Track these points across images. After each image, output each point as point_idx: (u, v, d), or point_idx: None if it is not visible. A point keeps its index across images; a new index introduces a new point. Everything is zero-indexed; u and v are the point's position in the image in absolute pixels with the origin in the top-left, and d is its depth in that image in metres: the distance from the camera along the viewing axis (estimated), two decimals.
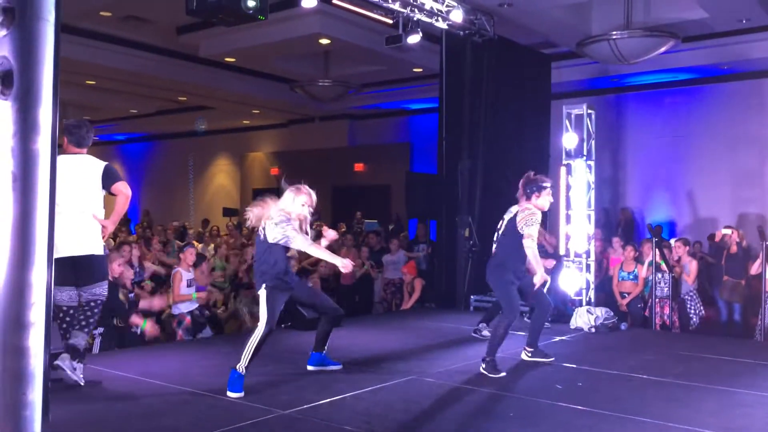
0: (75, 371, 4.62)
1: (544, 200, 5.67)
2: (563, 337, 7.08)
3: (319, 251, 4.91)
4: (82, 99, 16.39)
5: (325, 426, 3.95)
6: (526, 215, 5.52)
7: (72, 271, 4.68)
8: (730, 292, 8.71)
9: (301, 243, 4.79)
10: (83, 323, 4.76)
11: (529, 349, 5.86)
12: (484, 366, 5.36)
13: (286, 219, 4.78)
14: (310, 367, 5.38)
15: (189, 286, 7.55)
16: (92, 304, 4.79)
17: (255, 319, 8.87)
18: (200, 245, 11.55)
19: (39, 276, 0.97)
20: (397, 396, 4.67)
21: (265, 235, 4.81)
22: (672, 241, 9.29)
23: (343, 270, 5.02)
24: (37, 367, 0.97)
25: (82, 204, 4.67)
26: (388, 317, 9.18)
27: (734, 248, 8.73)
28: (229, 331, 8.49)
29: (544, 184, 5.70)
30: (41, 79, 0.99)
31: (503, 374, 5.30)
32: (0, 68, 0.97)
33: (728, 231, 9.04)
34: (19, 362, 0.96)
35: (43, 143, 0.98)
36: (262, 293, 4.80)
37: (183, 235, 13.23)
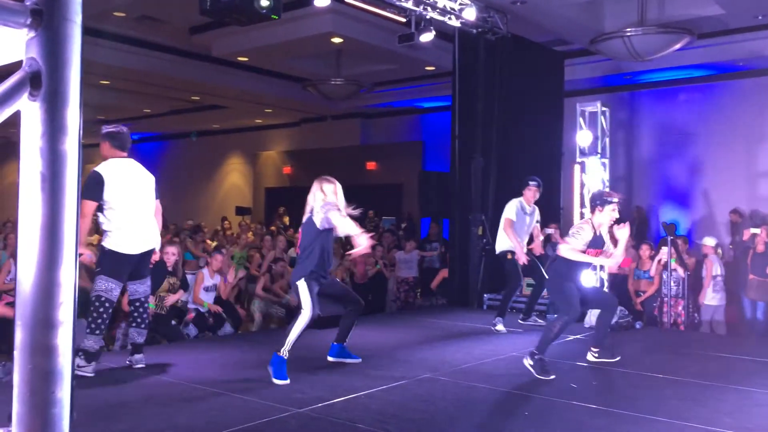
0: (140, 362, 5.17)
1: (604, 216, 5.44)
2: (577, 336, 7.05)
3: (352, 226, 5.00)
4: (96, 99, 16.50)
5: (340, 424, 3.96)
6: (576, 228, 5.51)
7: (132, 266, 4.96)
8: (756, 290, 8.64)
9: (342, 223, 4.96)
10: (140, 319, 5.12)
11: (595, 349, 5.73)
12: (531, 363, 5.14)
13: (331, 204, 5.04)
14: (330, 359, 5.49)
15: (207, 291, 7.62)
16: (142, 299, 5.12)
17: (266, 321, 8.93)
18: (214, 242, 11.62)
19: (67, 275, 0.98)
20: (411, 394, 4.66)
21: (313, 222, 5.01)
22: (710, 240, 9.15)
23: (361, 249, 5.02)
24: (65, 366, 0.98)
25: (149, 203, 5.02)
26: (401, 315, 9.18)
27: (761, 247, 8.63)
28: (245, 329, 8.53)
29: (611, 199, 5.48)
30: (68, 81, 1.00)
31: (552, 377, 5.08)
32: (29, 69, 0.98)
33: (757, 230, 8.96)
34: (48, 361, 0.98)
35: (70, 144, 0.99)
36: (302, 285, 4.95)
37: (197, 234, 13.27)
